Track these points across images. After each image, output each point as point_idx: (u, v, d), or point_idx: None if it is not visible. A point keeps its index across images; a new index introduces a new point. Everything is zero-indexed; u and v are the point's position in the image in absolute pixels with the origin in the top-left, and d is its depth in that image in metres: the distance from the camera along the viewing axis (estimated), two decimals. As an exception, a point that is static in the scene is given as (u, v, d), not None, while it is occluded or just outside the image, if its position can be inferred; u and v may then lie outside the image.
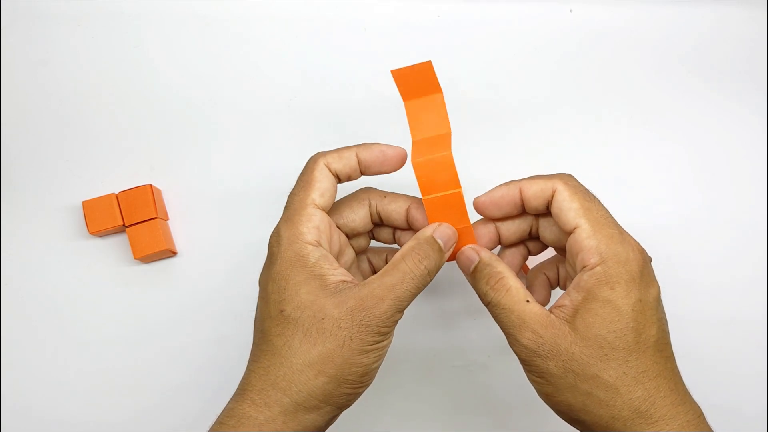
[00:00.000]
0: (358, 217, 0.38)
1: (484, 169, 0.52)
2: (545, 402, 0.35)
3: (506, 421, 0.49)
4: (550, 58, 0.54)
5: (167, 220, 0.51)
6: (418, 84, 0.36)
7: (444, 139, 0.36)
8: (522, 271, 0.50)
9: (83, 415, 0.49)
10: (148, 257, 0.49)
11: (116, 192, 0.50)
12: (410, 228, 0.39)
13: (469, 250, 0.37)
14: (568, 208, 0.34)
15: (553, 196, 0.35)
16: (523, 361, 0.34)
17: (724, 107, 0.54)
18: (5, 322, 0.50)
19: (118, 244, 0.51)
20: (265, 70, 0.54)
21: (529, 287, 0.39)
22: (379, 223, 0.40)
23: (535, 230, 0.38)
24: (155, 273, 0.50)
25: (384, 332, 0.33)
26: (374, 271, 0.42)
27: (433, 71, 0.36)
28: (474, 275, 0.36)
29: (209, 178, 0.52)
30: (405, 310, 0.34)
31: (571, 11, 0.55)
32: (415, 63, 0.36)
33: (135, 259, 0.49)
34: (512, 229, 0.38)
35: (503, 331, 0.35)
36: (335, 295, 0.33)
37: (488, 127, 0.53)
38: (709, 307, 0.50)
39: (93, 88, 0.53)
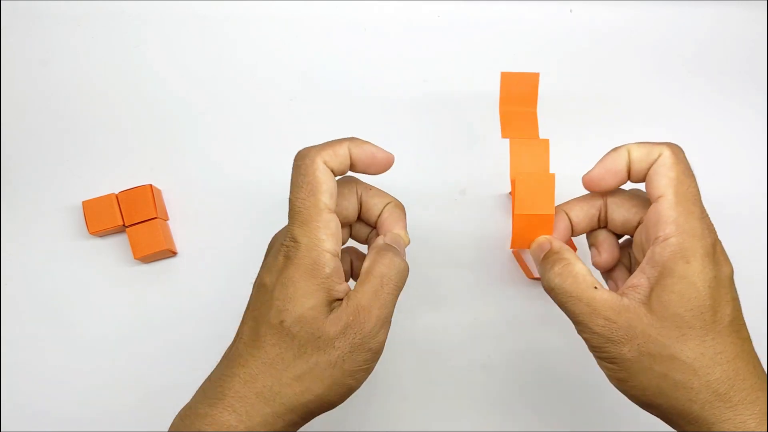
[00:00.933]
0: (351, 205, 0.38)
1: (484, 170, 0.52)
2: (617, 387, 0.34)
3: (506, 421, 0.49)
4: (550, 58, 0.54)
5: (167, 220, 0.51)
6: (519, 92, 0.38)
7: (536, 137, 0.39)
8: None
9: (83, 415, 0.49)
10: (148, 257, 0.49)
11: (116, 192, 0.50)
12: (375, 227, 0.39)
13: (542, 239, 0.36)
14: (664, 174, 0.33)
15: (656, 160, 0.34)
16: (594, 348, 0.33)
17: (725, 106, 0.54)
18: (5, 322, 0.50)
19: (118, 244, 0.51)
20: (265, 70, 0.54)
21: (608, 276, 0.39)
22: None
23: (604, 216, 0.37)
24: (155, 273, 0.50)
25: (374, 349, 0.33)
26: (353, 275, 0.41)
27: (537, 84, 0.38)
28: (542, 263, 0.35)
29: (209, 178, 0.52)
30: (390, 326, 0.34)
31: (571, 11, 0.55)
32: (524, 71, 0.38)
33: (135, 259, 0.49)
34: (581, 215, 0.37)
35: (572, 320, 0.34)
36: (332, 312, 0.33)
37: (488, 127, 0.53)
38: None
39: (93, 88, 0.53)
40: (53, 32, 0.54)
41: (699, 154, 0.53)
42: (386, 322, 0.34)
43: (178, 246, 0.51)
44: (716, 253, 0.33)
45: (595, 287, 0.33)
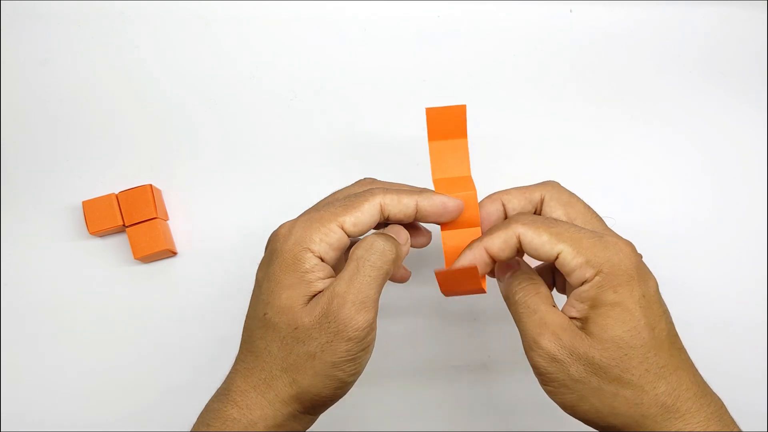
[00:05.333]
0: (371, 222, 0.36)
1: (486, 169, 0.52)
2: (572, 414, 0.34)
3: (506, 421, 0.49)
4: (550, 58, 0.54)
5: (167, 220, 0.51)
6: (447, 126, 0.37)
7: (466, 181, 0.37)
8: None
9: (83, 415, 0.49)
10: (148, 257, 0.49)
11: (116, 192, 0.50)
12: (414, 221, 0.38)
13: (513, 261, 0.37)
14: (541, 243, 0.33)
15: (519, 242, 0.34)
16: (542, 373, 0.33)
17: (725, 106, 0.54)
18: (5, 322, 0.50)
19: (118, 244, 0.51)
20: (265, 70, 0.54)
21: None
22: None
23: (539, 212, 0.38)
24: (155, 273, 0.50)
25: (355, 338, 0.32)
26: None
27: (465, 116, 0.37)
28: (510, 280, 0.36)
29: (209, 178, 0.52)
30: (377, 313, 0.34)
31: (571, 11, 0.55)
32: (450, 105, 0.37)
33: (135, 259, 0.49)
34: (518, 208, 0.37)
35: (524, 336, 0.34)
36: (309, 304, 0.33)
37: (488, 126, 0.53)
38: (710, 307, 0.50)
39: (93, 88, 0.53)
40: (53, 32, 0.54)
41: (700, 154, 0.53)
42: (364, 307, 0.33)
43: (178, 246, 0.51)
44: (639, 271, 0.33)
45: (553, 305, 0.34)
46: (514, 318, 0.35)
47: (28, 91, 0.53)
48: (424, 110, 0.36)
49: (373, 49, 0.54)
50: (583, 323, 0.33)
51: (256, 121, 0.53)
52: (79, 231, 0.51)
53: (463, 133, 0.38)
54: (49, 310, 0.50)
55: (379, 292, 0.34)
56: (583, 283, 0.33)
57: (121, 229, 0.50)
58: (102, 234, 0.50)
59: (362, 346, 0.33)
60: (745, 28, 0.55)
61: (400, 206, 0.35)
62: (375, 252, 0.34)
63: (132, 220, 0.49)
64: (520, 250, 0.35)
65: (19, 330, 0.50)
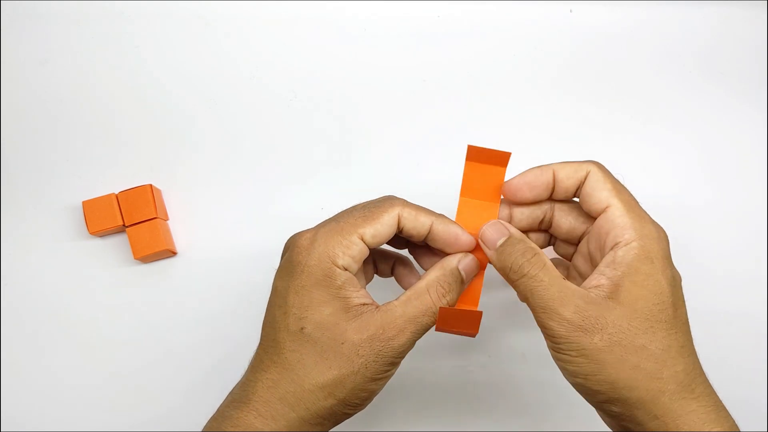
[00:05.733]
0: (389, 233, 0.36)
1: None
2: (581, 384, 0.33)
3: (506, 422, 0.49)
4: (550, 58, 0.54)
5: (167, 220, 0.51)
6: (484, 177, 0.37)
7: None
8: None
9: (83, 416, 0.49)
10: (148, 257, 0.49)
11: (116, 192, 0.50)
12: (424, 243, 0.37)
13: (498, 224, 0.36)
14: (602, 188, 0.34)
15: (585, 178, 0.35)
16: (559, 340, 0.32)
17: (726, 105, 0.54)
18: (5, 322, 0.50)
19: (118, 244, 0.51)
20: (264, 70, 0.54)
21: None
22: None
23: (549, 219, 0.38)
24: (155, 273, 0.50)
25: (397, 362, 0.34)
26: (377, 272, 0.41)
27: (506, 164, 0.37)
28: (504, 248, 0.34)
29: (209, 178, 0.52)
30: None
31: (571, 11, 0.55)
32: (495, 148, 0.37)
33: (135, 259, 0.49)
34: (525, 213, 0.38)
35: (538, 307, 0.33)
36: (356, 319, 0.33)
37: (488, 126, 0.53)
38: (710, 304, 0.50)
39: (93, 88, 0.53)
40: (53, 32, 0.54)
41: (700, 153, 0.53)
42: (417, 338, 0.34)
43: (178, 246, 0.51)
44: (670, 258, 0.34)
45: (564, 277, 0.33)
46: (521, 288, 0.34)
47: (28, 91, 0.53)
48: (466, 146, 0.37)
49: (373, 49, 0.54)
50: (612, 291, 0.33)
51: (256, 121, 0.53)
52: (79, 231, 0.51)
53: (503, 163, 0.37)
54: (49, 310, 0.50)
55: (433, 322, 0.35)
56: (616, 245, 0.33)
57: (121, 229, 0.50)
58: (102, 234, 0.50)
59: (398, 366, 0.35)
60: (745, 28, 0.55)
61: (416, 223, 0.35)
62: (444, 303, 0.35)
63: (132, 220, 0.49)
64: (576, 190, 0.36)
65: (18, 330, 0.50)
